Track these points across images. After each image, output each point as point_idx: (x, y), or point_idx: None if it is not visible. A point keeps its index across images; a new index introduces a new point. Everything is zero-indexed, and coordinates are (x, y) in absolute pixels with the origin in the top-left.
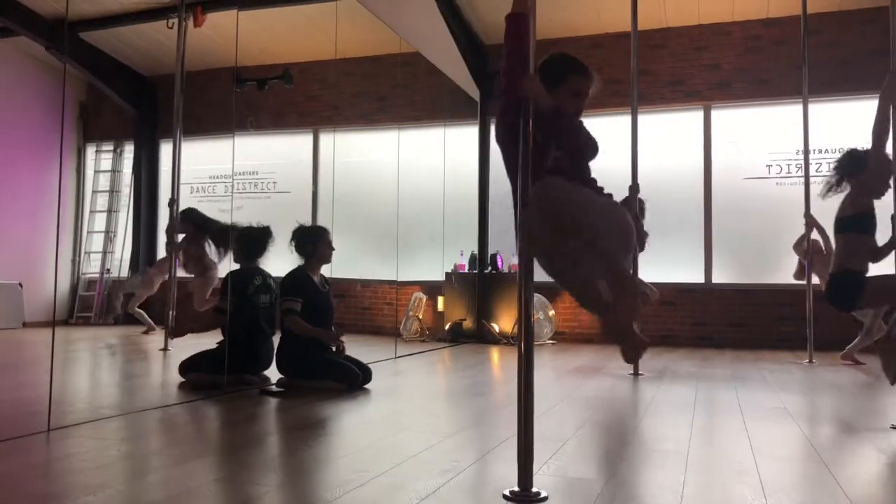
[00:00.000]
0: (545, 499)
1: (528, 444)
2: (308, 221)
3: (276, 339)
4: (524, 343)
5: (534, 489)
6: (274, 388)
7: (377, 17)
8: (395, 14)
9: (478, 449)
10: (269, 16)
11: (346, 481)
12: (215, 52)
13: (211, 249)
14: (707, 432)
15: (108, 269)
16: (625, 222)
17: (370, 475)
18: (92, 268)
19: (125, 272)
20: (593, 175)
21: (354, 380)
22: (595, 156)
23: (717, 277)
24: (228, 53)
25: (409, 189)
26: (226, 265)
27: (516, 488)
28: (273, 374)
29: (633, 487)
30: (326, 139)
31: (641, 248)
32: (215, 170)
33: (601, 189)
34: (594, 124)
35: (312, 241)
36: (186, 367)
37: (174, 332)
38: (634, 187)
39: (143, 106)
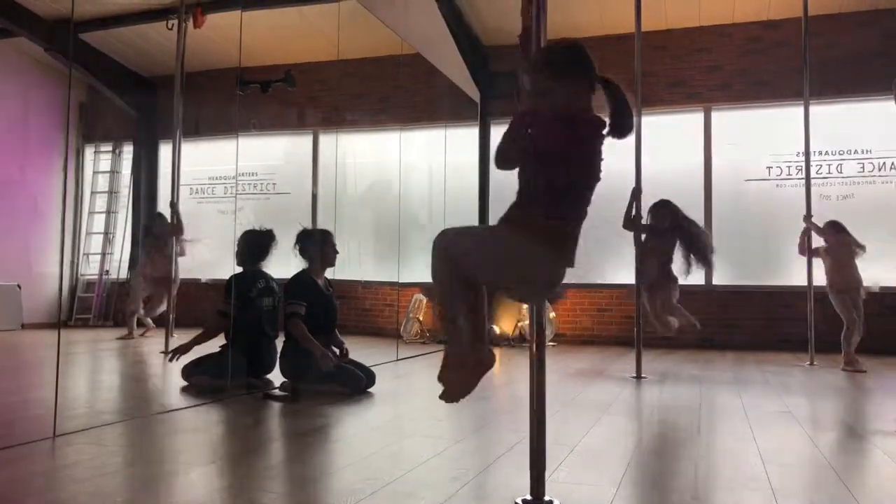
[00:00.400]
0: None
1: (540, 451)
2: (308, 223)
3: (279, 343)
4: (537, 349)
5: (546, 497)
6: (277, 391)
7: (378, 18)
8: (396, 16)
9: (486, 455)
10: (270, 17)
11: (355, 490)
12: (216, 53)
13: (176, 258)
14: (714, 437)
15: (108, 271)
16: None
17: (379, 483)
18: (91, 269)
19: (124, 273)
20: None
21: (358, 384)
22: (566, 168)
23: (718, 279)
24: (228, 55)
25: (410, 190)
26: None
27: (528, 496)
28: (276, 377)
29: (646, 495)
30: (326, 140)
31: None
32: (215, 171)
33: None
34: None
35: (316, 245)
36: (189, 370)
37: (179, 350)
38: (637, 190)
39: (142, 107)
